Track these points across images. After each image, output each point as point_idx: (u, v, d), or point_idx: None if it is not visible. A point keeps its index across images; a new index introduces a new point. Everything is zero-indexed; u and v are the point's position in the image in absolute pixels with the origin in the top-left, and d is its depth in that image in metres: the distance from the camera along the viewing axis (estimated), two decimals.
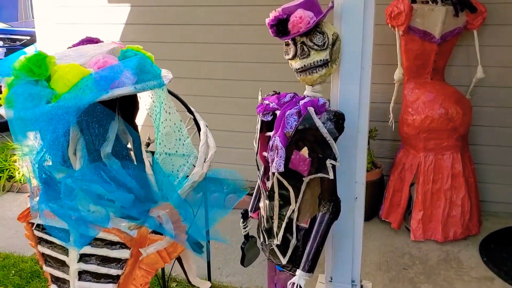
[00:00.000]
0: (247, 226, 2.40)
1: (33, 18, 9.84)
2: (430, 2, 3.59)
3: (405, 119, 3.75)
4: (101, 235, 1.36)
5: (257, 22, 3.55)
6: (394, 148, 4.14)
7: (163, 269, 2.26)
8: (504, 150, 4.01)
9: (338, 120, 2.04)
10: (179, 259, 1.64)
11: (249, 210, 2.47)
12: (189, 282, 1.70)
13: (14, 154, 4.98)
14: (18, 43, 6.79)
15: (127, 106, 1.43)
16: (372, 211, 4.02)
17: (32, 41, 6.76)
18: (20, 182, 4.80)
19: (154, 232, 1.43)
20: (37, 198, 1.41)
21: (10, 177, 4.86)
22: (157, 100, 1.38)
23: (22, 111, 1.25)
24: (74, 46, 1.51)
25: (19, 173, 4.83)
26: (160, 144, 1.37)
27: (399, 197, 3.87)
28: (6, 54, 6.51)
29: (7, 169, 4.85)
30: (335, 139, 2.03)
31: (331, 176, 2.04)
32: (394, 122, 3.93)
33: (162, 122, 1.36)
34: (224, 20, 4.28)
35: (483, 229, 3.81)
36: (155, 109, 1.41)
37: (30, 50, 1.33)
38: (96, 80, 1.27)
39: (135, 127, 1.49)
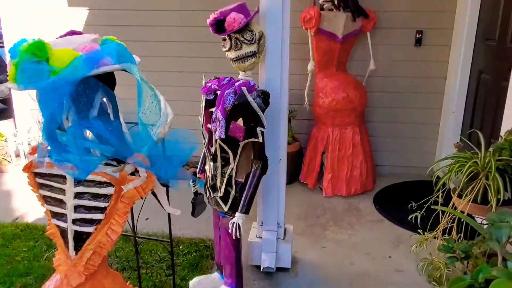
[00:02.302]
0: (196, 185, 2.47)
1: None
2: (334, 10, 3.70)
3: (317, 102, 3.85)
4: (91, 177, 1.44)
5: (199, 24, 3.61)
6: (309, 126, 4.22)
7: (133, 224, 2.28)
8: (392, 125, 4.22)
9: (264, 97, 2.17)
10: (154, 194, 1.72)
11: (197, 172, 2.56)
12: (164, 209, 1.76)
13: None
14: None
15: (108, 81, 1.50)
16: (293, 176, 4.10)
17: None
18: None
19: (131, 174, 1.54)
20: (43, 151, 1.47)
21: None
22: (135, 74, 1.46)
23: (28, 84, 1.31)
24: (61, 37, 1.56)
25: None
26: (139, 109, 1.44)
27: (313, 163, 3.99)
28: None
29: None
30: (263, 111, 2.16)
31: (260, 140, 2.19)
32: (309, 105, 4.02)
33: (138, 93, 1.44)
34: (171, 22, 4.24)
35: (376, 186, 4.02)
36: (138, 82, 1.46)
37: (29, 38, 1.40)
38: (85, 60, 1.34)
39: (114, 97, 1.57)
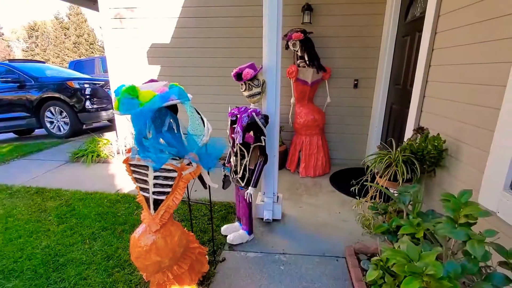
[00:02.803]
0: (225, 170, 2.47)
1: (103, 72, 9.21)
2: (306, 67, 3.66)
3: (296, 121, 3.80)
4: (163, 166, 1.40)
5: (226, 75, 3.61)
6: (291, 135, 4.17)
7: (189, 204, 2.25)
8: (340, 135, 4.16)
9: (266, 118, 2.17)
10: (200, 177, 1.69)
11: (225, 162, 2.62)
12: (204, 185, 1.69)
13: (99, 143, 4.68)
14: (97, 85, 6.28)
15: (173, 109, 1.47)
16: (282, 165, 4.05)
17: (105, 84, 6.20)
18: (102, 158, 4.42)
19: (187, 165, 1.51)
20: (135, 151, 1.46)
21: (97, 156, 4.46)
22: (187, 106, 1.45)
23: (126, 111, 1.29)
24: (145, 83, 1.55)
25: (102, 153, 4.50)
26: (190, 126, 1.44)
27: (294, 157, 3.93)
28: (90, 91, 5.84)
29: (95, 151, 4.50)
30: (265, 127, 2.15)
31: (263, 144, 2.18)
32: (291, 123, 3.96)
33: (190, 116, 1.43)
34: (210, 74, 4.19)
35: (331, 170, 3.96)
36: (188, 110, 1.44)
37: (126, 84, 1.39)
38: (160, 97, 1.32)
39: (177, 119, 1.57)
